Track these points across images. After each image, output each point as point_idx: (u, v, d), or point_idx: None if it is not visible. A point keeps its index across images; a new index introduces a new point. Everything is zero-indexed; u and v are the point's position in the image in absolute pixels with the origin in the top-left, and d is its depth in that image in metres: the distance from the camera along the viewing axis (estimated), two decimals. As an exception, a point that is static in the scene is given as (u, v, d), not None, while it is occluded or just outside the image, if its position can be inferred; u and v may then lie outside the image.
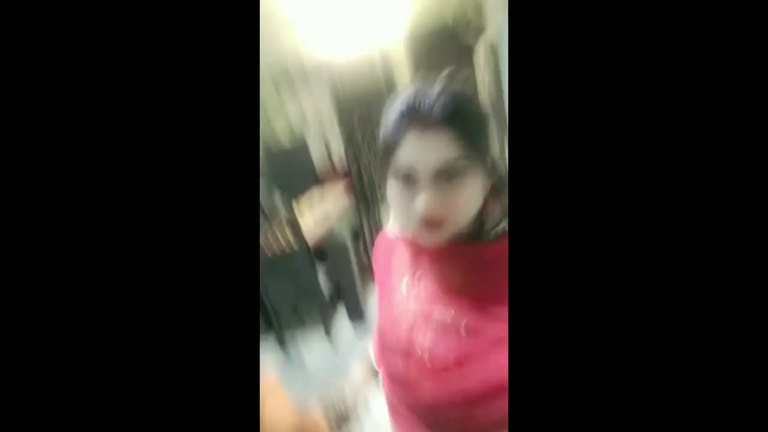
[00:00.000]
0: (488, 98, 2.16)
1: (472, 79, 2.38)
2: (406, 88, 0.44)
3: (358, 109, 2.54)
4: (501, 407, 0.39)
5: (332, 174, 3.06)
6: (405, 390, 0.49)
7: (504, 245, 0.45)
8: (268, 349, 2.22)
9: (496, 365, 0.40)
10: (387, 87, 2.50)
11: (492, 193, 0.47)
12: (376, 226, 2.73)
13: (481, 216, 0.47)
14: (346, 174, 2.79)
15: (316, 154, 3.08)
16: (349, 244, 2.45)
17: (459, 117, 0.41)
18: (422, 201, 0.41)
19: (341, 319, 2.43)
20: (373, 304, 2.42)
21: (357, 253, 2.62)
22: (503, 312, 0.42)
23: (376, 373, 0.68)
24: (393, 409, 0.54)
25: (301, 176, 2.86)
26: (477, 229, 0.47)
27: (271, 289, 2.14)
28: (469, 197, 0.43)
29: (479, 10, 2.26)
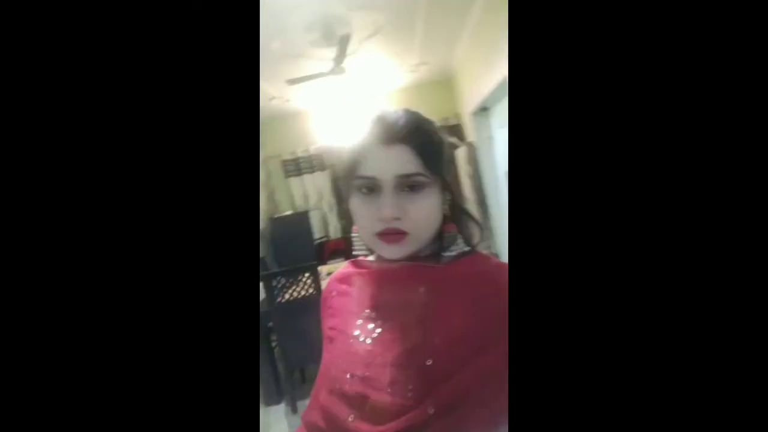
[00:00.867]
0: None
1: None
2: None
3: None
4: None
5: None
6: None
7: (460, 267, 0.47)
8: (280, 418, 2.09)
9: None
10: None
11: (448, 215, 0.49)
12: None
13: (440, 237, 0.49)
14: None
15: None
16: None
17: (419, 135, 0.45)
18: (385, 202, 0.44)
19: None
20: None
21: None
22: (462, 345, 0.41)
23: None
24: None
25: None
26: (435, 250, 0.49)
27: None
28: (430, 209, 0.46)
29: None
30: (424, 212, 0.45)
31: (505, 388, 0.32)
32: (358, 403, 0.43)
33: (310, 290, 1.86)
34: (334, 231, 3.51)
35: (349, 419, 0.43)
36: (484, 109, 2.70)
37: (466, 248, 0.50)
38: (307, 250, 3.08)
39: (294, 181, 3.52)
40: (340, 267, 0.59)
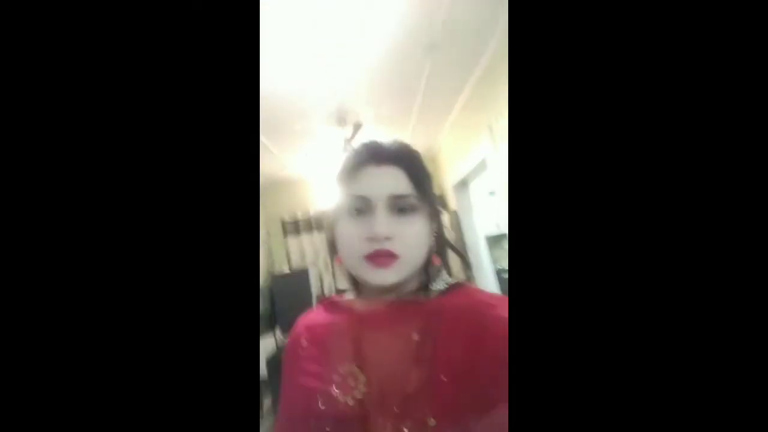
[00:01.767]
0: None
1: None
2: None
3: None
4: None
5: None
6: None
7: (454, 300, 0.45)
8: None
9: None
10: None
11: (434, 248, 0.48)
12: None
13: (426, 269, 0.47)
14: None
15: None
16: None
17: (410, 160, 0.46)
18: (378, 221, 0.42)
19: None
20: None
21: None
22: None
23: None
24: None
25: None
26: (423, 283, 0.47)
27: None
28: (420, 233, 0.45)
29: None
30: (415, 235, 0.44)
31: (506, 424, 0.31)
32: None
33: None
34: (329, 289, 3.74)
35: None
36: (463, 183, 3.04)
37: (453, 281, 0.49)
38: (306, 308, 3.15)
39: (292, 240, 3.82)
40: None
